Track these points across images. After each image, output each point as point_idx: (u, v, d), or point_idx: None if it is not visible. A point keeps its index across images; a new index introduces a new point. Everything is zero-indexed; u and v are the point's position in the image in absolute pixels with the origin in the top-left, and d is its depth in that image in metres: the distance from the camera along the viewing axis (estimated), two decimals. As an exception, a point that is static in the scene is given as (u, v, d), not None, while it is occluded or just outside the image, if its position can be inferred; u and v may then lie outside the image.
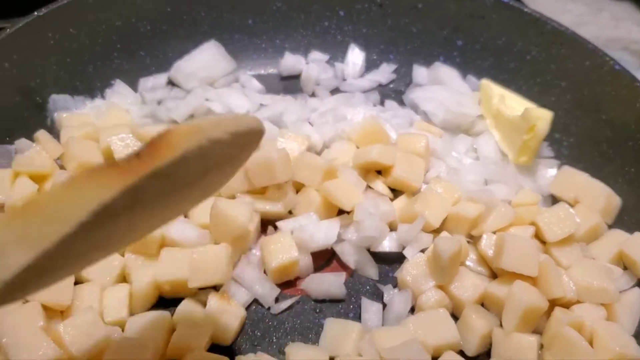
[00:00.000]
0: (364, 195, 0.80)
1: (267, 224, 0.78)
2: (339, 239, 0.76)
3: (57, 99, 0.88)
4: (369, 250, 0.77)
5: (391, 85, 1.05)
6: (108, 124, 0.85)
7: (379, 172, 0.84)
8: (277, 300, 0.73)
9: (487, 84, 0.97)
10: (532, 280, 0.69)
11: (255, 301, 0.73)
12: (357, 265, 0.76)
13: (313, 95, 1.01)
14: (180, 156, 0.39)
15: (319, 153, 0.88)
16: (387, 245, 0.77)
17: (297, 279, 0.75)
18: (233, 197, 0.77)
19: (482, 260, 0.76)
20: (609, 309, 0.70)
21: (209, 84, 0.98)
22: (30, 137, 0.82)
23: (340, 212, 0.79)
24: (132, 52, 0.96)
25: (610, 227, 0.82)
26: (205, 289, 0.70)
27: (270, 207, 0.77)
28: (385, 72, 1.04)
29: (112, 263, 0.70)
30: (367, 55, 1.05)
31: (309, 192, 0.78)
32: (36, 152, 0.80)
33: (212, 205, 0.71)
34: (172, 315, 0.67)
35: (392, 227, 0.79)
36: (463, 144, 0.91)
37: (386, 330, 0.68)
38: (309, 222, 0.75)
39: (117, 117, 0.87)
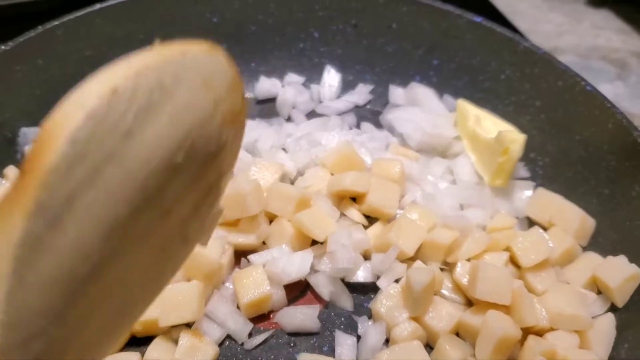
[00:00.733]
0: (337, 224, 0.79)
1: (241, 255, 0.78)
2: (313, 270, 0.76)
3: (28, 132, 0.86)
4: (343, 280, 0.77)
5: (368, 106, 1.04)
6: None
7: (354, 199, 0.84)
8: (250, 335, 0.72)
9: (463, 104, 0.96)
10: (505, 309, 0.69)
11: (229, 337, 0.72)
12: (332, 296, 0.76)
13: (289, 119, 1.00)
14: (68, 141, 0.26)
15: (293, 181, 0.87)
16: (362, 275, 0.76)
17: (271, 311, 0.75)
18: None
19: (458, 288, 0.76)
20: (582, 336, 0.70)
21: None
22: (-1, 173, 0.81)
23: (315, 241, 0.79)
24: (104, 80, 0.95)
25: (585, 249, 0.82)
26: (178, 326, 0.69)
27: (243, 239, 0.76)
28: (361, 93, 1.04)
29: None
30: (343, 76, 1.05)
31: (282, 223, 0.78)
32: (5, 189, 0.79)
33: (183, 241, 0.71)
34: (142, 356, 0.67)
35: (367, 256, 0.78)
36: (439, 167, 0.91)
37: (360, 364, 0.68)
38: (281, 255, 0.75)
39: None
